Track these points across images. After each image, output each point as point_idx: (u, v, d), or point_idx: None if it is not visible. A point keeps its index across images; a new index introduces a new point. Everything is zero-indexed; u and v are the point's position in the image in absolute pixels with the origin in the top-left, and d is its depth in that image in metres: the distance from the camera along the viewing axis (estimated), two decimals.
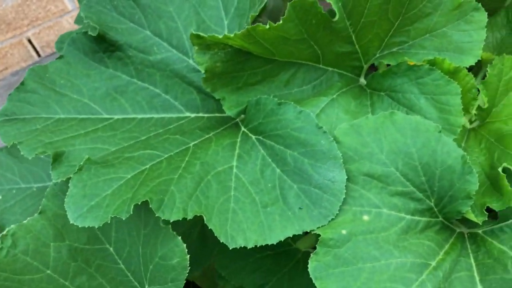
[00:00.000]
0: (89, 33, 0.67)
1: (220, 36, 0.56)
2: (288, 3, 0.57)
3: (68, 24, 1.51)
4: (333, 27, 0.64)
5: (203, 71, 0.60)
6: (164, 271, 0.58)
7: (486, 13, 0.66)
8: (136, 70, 0.70)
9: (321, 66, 0.70)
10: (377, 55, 0.71)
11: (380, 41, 0.69)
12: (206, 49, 0.58)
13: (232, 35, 0.56)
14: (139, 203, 0.53)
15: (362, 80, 0.73)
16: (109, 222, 0.53)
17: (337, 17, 0.61)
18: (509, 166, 0.58)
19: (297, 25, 0.60)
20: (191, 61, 0.70)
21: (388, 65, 0.71)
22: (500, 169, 0.58)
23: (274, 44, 0.61)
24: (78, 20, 0.94)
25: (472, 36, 0.67)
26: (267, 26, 0.56)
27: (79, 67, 0.69)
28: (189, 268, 0.57)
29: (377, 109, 0.67)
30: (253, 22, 0.69)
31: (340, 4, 0.61)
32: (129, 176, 0.58)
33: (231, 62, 0.61)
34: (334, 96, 0.68)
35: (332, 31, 0.64)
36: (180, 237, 0.57)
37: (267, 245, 0.56)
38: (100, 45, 0.69)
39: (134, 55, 0.70)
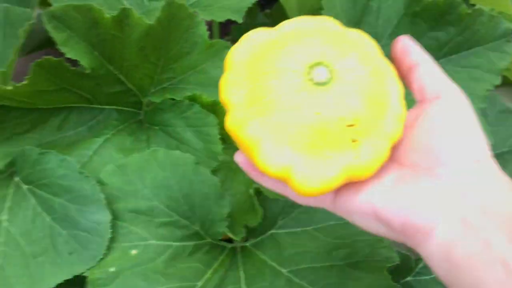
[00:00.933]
0: None
1: None
2: (32, 64, 0.58)
3: None
4: (94, 75, 0.67)
5: None
6: None
7: None
8: None
9: (95, 106, 0.73)
10: (152, 90, 0.76)
11: (150, 79, 0.74)
12: None
13: None
14: None
15: (141, 114, 0.77)
16: None
17: (89, 70, 0.64)
18: (260, 188, 0.66)
19: (49, 79, 0.62)
20: None
21: None
22: (251, 190, 0.66)
23: (30, 97, 0.63)
24: None
25: None
26: (10, 88, 0.58)
27: None
28: None
29: (152, 143, 0.72)
30: None
31: (91, 56, 0.64)
32: None
33: None
34: (109, 135, 0.72)
35: (95, 77, 0.68)
36: None
37: None
38: None
39: None
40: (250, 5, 0.89)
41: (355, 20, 0.82)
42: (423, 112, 0.39)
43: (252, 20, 1.11)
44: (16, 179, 0.66)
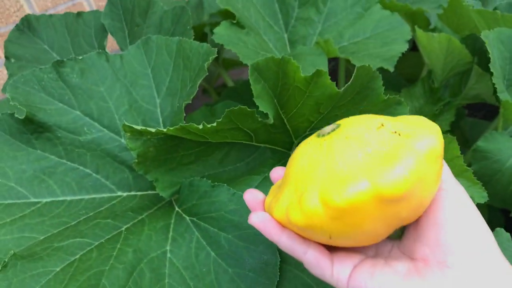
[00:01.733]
0: (16, 115, 0.66)
1: (153, 130, 0.56)
2: (227, 111, 0.58)
3: None
4: (265, 122, 0.66)
5: (135, 156, 0.60)
6: None
7: (408, 107, 0.70)
8: (66, 150, 0.68)
9: (253, 143, 0.72)
10: (307, 132, 0.74)
11: (310, 123, 0.72)
12: (138, 135, 0.58)
13: (165, 130, 0.56)
14: None
15: None
16: None
17: (271, 121, 0.63)
18: None
19: (232, 122, 0.61)
20: (122, 140, 0.70)
21: None
22: None
23: (207, 133, 0.62)
24: (5, 89, 0.91)
25: None
26: (201, 126, 0.57)
27: (5, 149, 0.66)
28: None
29: None
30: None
31: (275, 101, 0.63)
32: (58, 269, 0.55)
33: (164, 147, 0.61)
34: (267, 174, 0.70)
35: (262, 124, 0.66)
36: None
37: None
38: (27, 126, 0.67)
39: (64, 136, 0.68)
40: (400, 54, 0.87)
41: (510, 77, 0.79)
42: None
43: None
44: (178, 209, 0.65)
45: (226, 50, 1.18)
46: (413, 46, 1.31)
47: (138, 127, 0.55)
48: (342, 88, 0.61)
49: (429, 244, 0.40)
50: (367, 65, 0.60)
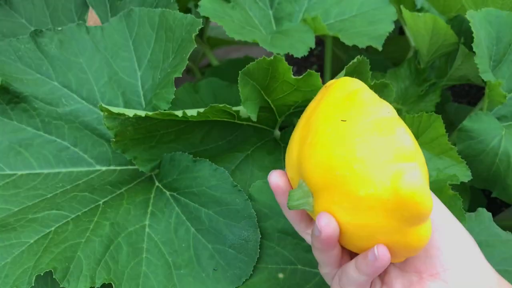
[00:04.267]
0: None
1: (131, 115, 0.54)
2: (206, 109, 0.57)
3: None
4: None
5: (112, 136, 0.58)
6: None
7: (394, 90, 0.69)
8: (43, 122, 0.66)
9: (236, 121, 0.70)
10: (291, 110, 0.73)
11: (295, 103, 0.71)
12: (116, 115, 0.56)
13: (143, 115, 0.54)
14: (42, 274, 0.50)
15: (277, 132, 0.74)
16: None
17: (255, 119, 0.62)
18: None
19: (211, 114, 0.60)
20: (102, 113, 0.68)
21: None
22: None
23: (187, 117, 0.61)
24: None
25: None
26: (180, 114, 0.56)
27: None
28: None
29: None
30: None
31: (261, 91, 0.61)
32: (32, 241, 0.54)
33: (143, 125, 0.59)
34: (249, 152, 0.69)
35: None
36: None
37: None
38: (2, 96, 0.65)
39: (41, 107, 0.66)
40: (387, 33, 0.86)
41: (497, 58, 0.78)
42: None
43: None
44: (158, 183, 0.64)
45: (210, 29, 1.16)
46: (400, 30, 1.30)
47: (114, 109, 0.54)
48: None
49: (422, 258, 0.40)
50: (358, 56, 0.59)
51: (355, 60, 0.58)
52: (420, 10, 0.94)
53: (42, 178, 0.64)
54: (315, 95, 0.63)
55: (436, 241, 0.40)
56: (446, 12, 0.92)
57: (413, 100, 0.92)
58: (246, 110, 0.58)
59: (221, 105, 0.57)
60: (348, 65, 0.58)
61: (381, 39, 0.84)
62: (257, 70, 0.56)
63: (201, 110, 0.57)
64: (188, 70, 1.33)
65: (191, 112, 0.56)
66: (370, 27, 0.87)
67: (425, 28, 0.83)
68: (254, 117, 0.61)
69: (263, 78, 0.58)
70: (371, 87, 0.64)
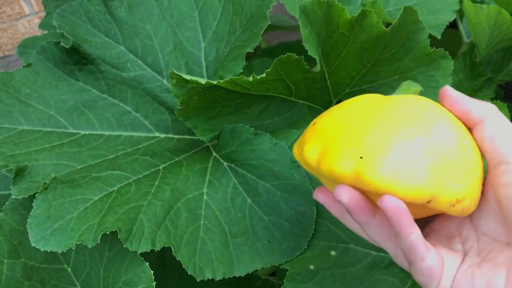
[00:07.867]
0: (62, 44, 0.65)
1: (203, 82, 0.55)
2: (276, 59, 0.57)
3: (24, 28, 1.44)
4: (311, 71, 0.65)
5: (178, 103, 0.59)
6: None
7: (452, 61, 0.69)
8: (108, 85, 0.68)
9: (292, 99, 0.71)
10: (347, 91, 0.73)
11: (351, 79, 0.71)
12: (184, 83, 0.57)
13: (215, 82, 0.55)
14: (108, 233, 0.51)
15: None
16: (73, 248, 0.51)
17: (318, 69, 0.62)
18: None
19: (278, 72, 0.60)
20: (165, 81, 0.69)
21: None
22: None
23: (252, 85, 0.61)
24: (43, 26, 0.90)
25: (438, 82, 0.70)
26: (251, 79, 0.56)
27: (48, 77, 0.66)
28: None
29: None
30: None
31: (319, 51, 0.61)
32: (96, 198, 0.55)
33: (208, 96, 0.60)
34: (304, 128, 0.69)
35: (308, 73, 0.65)
36: (147, 263, 0.55)
37: None
38: (71, 56, 0.66)
39: (107, 70, 0.67)
40: (447, 23, 0.85)
41: None
42: (502, 177, 0.37)
43: None
44: (215, 154, 0.65)
45: None
46: (450, 24, 1.28)
47: (187, 76, 0.54)
48: (389, 27, 0.59)
49: (501, 221, 0.37)
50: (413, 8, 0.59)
51: (407, 15, 0.59)
52: (482, 2, 0.93)
53: (104, 139, 0.66)
54: (372, 50, 0.63)
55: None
56: (509, 8, 0.90)
57: (467, 94, 0.91)
58: (308, 51, 0.59)
59: (284, 56, 0.56)
60: (402, 21, 0.59)
61: (441, 28, 0.83)
62: (312, 12, 0.57)
63: (268, 70, 0.57)
64: None
65: (261, 74, 0.57)
66: (430, 16, 0.86)
67: (487, 21, 0.82)
68: (317, 62, 0.61)
69: (319, 28, 0.58)
70: (428, 55, 0.64)
